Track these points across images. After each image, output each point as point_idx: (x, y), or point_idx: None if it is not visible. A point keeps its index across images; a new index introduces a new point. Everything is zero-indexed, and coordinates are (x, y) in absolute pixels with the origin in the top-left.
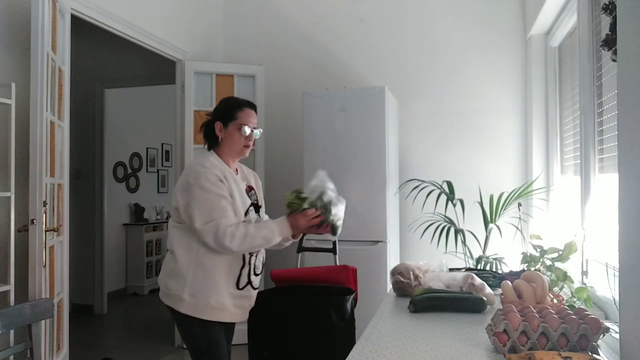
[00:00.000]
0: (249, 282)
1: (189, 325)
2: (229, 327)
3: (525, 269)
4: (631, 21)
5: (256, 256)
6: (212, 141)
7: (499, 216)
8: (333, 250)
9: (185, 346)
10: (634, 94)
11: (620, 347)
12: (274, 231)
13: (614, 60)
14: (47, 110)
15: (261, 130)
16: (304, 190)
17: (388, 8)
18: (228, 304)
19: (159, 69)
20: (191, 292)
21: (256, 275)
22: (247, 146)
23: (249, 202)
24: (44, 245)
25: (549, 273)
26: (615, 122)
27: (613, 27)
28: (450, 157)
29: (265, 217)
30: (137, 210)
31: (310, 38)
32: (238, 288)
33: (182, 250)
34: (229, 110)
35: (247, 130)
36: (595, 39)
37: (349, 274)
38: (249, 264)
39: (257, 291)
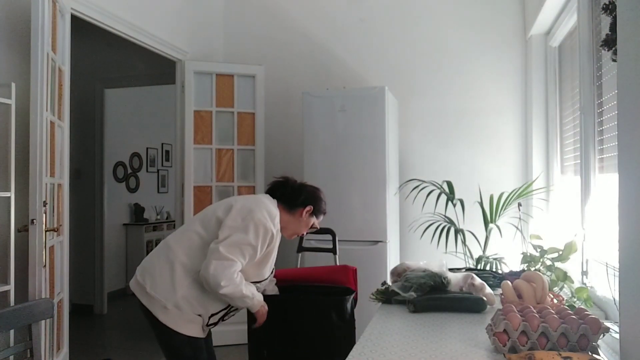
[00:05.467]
0: (215, 324)
1: (171, 333)
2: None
3: (525, 269)
4: (631, 21)
5: (236, 310)
6: (285, 199)
7: (499, 216)
8: (333, 250)
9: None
10: (634, 94)
11: (620, 347)
12: (254, 302)
13: (614, 60)
14: (47, 110)
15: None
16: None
17: (388, 8)
18: (200, 322)
19: (159, 69)
20: (177, 304)
21: (223, 320)
22: (299, 236)
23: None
24: (44, 245)
25: (549, 273)
26: (615, 122)
27: (613, 27)
28: (450, 157)
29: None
30: (137, 210)
31: (310, 38)
32: (207, 323)
33: (191, 262)
34: (320, 209)
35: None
36: (595, 39)
37: (349, 274)
38: (229, 309)
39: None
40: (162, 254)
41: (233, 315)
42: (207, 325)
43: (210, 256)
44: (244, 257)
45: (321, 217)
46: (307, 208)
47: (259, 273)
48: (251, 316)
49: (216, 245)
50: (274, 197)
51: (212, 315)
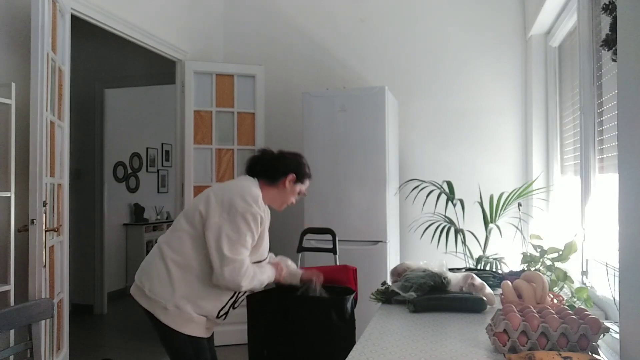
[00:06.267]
0: (226, 314)
1: (173, 333)
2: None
3: (525, 269)
4: (631, 21)
5: (245, 293)
6: (265, 174)
7: (499, 216)
8: (333, 250)
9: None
10: (634, 94)
11: (620, 347)
12: (270, 277)
13: (614, 60)
14: (47, 110)
15: None
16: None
17: (388, 8)
18: (203, 321)
19: (159, 69)
20: (177, 305)
21: (234, 308)
22: (289, 205)
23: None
24: (44, 245)
25: (549, 273)
26: (615, 122)
27: (613, 27)
28: (450, 157)
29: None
30: (137, 210)
31: (310, 38)
32: (217, 317)
33: (186, 261)
34: (304, 174)
35: (298, 198)
36: (595, 39)
37: (349, 274)
38: (237, 297)
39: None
40: (157, 256)
41: (242, 300)
42: (218, 317)
43: (219, 264)
44: (247, 248)
45: (307, 182)
46: (290, 176)
47: (258, 254)
48: (252, 316)
49: (220, 252)
50: (254, 175)
51: (221, 309)
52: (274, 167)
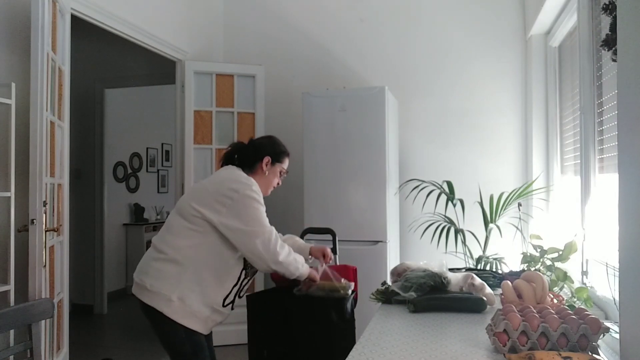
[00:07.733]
0: (232, 302)
1: (173, 328)
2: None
3: (525, 269)
4: (631, 21)
5: (248, 280)
6: (243, 163)
7: (499, 216)
8: (333, 250)
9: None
10: (634, 94)
11: (620, 347)
12: (303, 264)
13: (614, 60)
14: (47, 110)
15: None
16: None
17: (388, 8)
18: (205, 315)
19: (159, 69)
20: (180, 296)
21: (240, 297)
22: (273, 187)
23: None
24: (44, 245)
25: (549, 273)
26: (615, 122)
27: (613, 27)
28: (450, 157)
29: None
30: (137, 210)
31: (310, 38)
32: (223, 305)
33: (187, 255)
34: (280, 153)
35: (281, 178)
36: (595, 39)
37: (349, 274)
38: (240, 284)
39: (230, 312)
40: (154, 255)
41: (247, 287)
42: (224, 305)
43: (250, 241)
44: (266, 219)
45: (286, 161)
46: (265, 160)
47: None
48: (252, 316)
49: (246, 231)
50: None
51: (226, 296)
52: (249, 155)
